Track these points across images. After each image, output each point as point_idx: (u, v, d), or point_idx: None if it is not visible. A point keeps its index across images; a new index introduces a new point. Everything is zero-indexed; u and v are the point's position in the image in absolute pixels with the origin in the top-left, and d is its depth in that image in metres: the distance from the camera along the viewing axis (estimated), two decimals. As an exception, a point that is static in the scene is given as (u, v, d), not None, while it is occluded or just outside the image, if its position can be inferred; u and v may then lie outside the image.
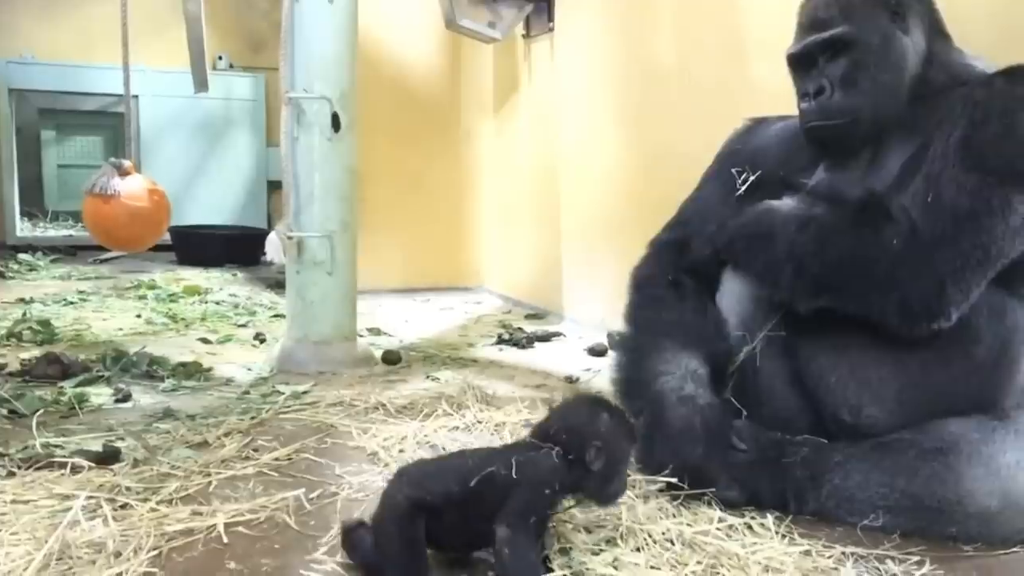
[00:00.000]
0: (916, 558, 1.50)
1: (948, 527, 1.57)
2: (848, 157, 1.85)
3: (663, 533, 1.53)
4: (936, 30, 1.83)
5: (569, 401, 1.53)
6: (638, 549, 1.48)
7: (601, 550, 1.47)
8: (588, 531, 1.54)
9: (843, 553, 1.50)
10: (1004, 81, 1.62)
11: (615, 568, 1.41)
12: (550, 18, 4.07)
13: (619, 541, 1.50)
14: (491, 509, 1.32)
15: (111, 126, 6.85)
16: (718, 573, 1.41)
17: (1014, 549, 1.55)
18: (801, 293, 1.69)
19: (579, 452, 1.38)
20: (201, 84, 4.70)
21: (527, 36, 4.34)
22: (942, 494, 1.58)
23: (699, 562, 1.43)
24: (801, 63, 1.86)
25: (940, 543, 1.56)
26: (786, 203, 1.77)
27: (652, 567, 1.42)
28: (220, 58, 7.01)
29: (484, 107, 4.86)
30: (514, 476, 1.33)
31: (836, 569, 1.44)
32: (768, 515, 1.63)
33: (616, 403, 1.47)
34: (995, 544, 1.55)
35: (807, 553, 1.50)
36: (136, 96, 6.20)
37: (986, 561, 1.51)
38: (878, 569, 1.45)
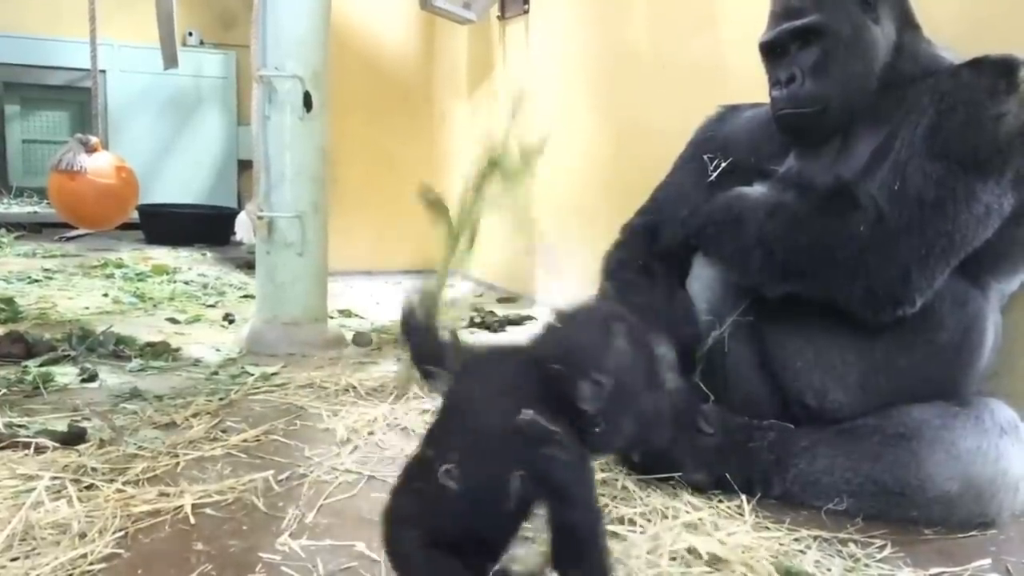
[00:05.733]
0: (878, 541, 1.52)
1: (910, 511, 1.60)
2: (818, 145, 1.86)
3: (638, 513, 1.55)
4: (906, 20, 1.85)
5: (576, 311, 1.18)
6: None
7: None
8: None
9: (807, 536, 1.52)
10: (970, 72, 1.64)
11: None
12: (525, 0, 4.05)
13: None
14: (511, 524, 1.10)
15: (78, 101, 6.74)
16: (697, 553, 1.43)
17: (972, 533, 1.58)
18: (769, 278, 1.71)
19: (570, 384, 1.08)
20: (170, 60, 4.62)
21: (502, 18, 4.31)
22: (904, 479, 1.60)
23: (672, 543, 1.44)
24: (773, 51, 1.87)
25: (902, 527, 1.59)
26: (756, 190, 1.78)
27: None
28: (190, 34, 6.91)
29: (458, 89, 4.84)
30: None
31: (803, 552, 1.46)
32: (735, 498, 1.66)
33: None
34: (954, 528, 1.59)
35: (774, 536, 1.52)
36: (104, 71, 6.11)
37: (946, 544, 1.55)
38: (841, 552, 1.48)
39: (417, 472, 1.13)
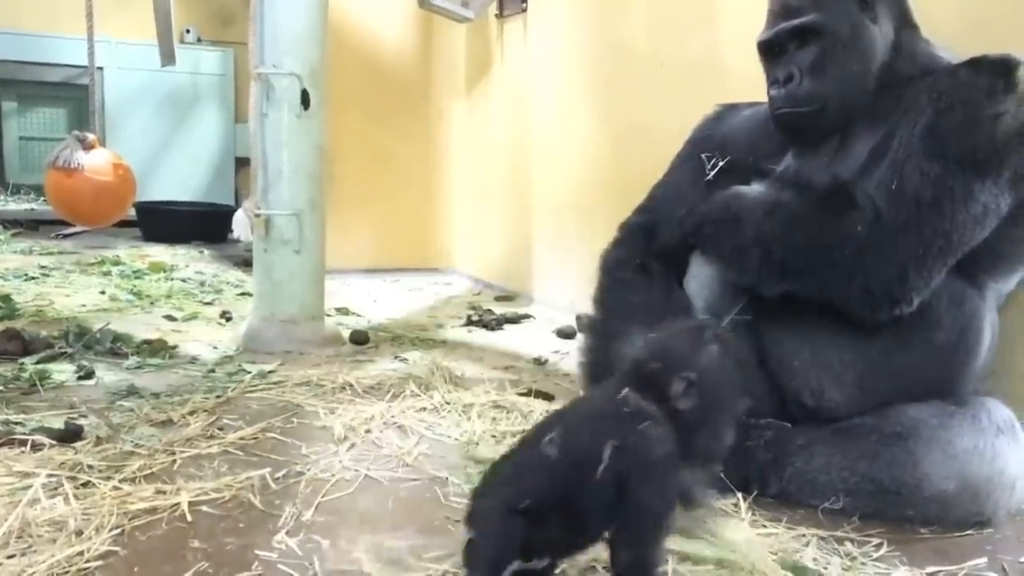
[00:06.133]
0: (875, 540, 1.53)
1: (906, 510, 1.60)
2: (816, 144, 1.86)
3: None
4: (904, 20, 1.85)
5: (673, 327, 1.30)
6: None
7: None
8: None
9: (805, 535, 1.53)
10: (968, 71, 1.65)
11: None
12: (523, -2, 4.06)
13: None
14: (599, 503, 1.10)
15: (75, 98, 6.72)
16: (697, 551, 1.42)
17: (968, 532, 1.58)
18: (767, 277, 1.71)
19: (663, 385, 1.16)
20: (168, 57, 4.63)
21: (500, 16, 4.31)
22: (901, 478, 1.61)
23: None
24: (771, 50, 1.87)
25: (898, 525, 1.59)
26: (754, 188, 1.78)
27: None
28: (188, 31, 6.90)
29: (456, 87, 4.83)
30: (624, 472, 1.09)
31: (799, 551, 1.46)
32: (731, 496, 1.66)
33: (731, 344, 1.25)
34: (951, 527, 1.59)
35: (772, 533, 1.52)
36: (101, 68, 6.09)
37: (942, 543, 1.55)
38: (837, 550, 1.48)
39: (519, 446, 1.22)
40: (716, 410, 1.19)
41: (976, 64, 1.65)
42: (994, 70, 1.61)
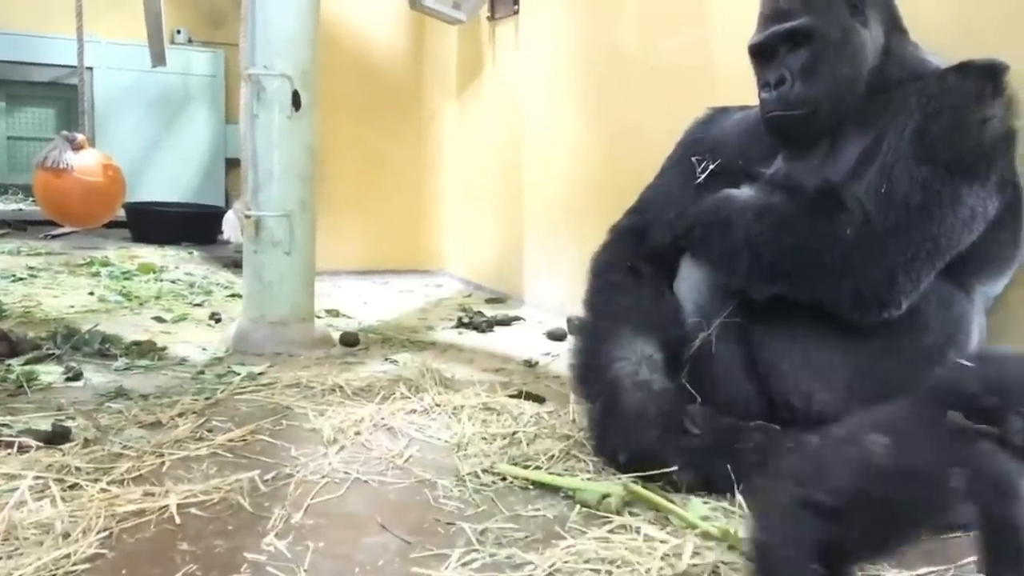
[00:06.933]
0: (862, 542, 1.53)
1: (894, 512, 1.60)
2: (806, 147, 1.87)
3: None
4: (894, 25, 1.86)
5: (998, 355, 1.28)
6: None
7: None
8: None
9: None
10: (957, 76, 1.66)
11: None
12: (515, 0, 4.05)
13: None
14: (910, 513, 1.13)
15: (64, 98, 6.70)
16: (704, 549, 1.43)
17: (956, 534, 1.59)
18: (756, 280, 1.72)
19: (1000, 421, 1.14)
20: (158, 58, 4.61)
21: (492, 18, 4.31)
22: (889, 480, 1.61)
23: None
24: (762, 53, 1.87)
25: (886, 527, 1.59)
26: (744, 192, 1.79)
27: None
28: (179, 32, 6.88)
29: (447, 89, 4.83)
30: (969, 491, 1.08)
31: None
32: (721, 499, 1.66)
33: None
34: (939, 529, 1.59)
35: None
36: (91, 68, 6.08)
37: (931, 545, 1.55)
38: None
39: (820, 443, 1.24)
40: None
41: (964, 69, 1.66)
42: (982, 75, 1.62)
